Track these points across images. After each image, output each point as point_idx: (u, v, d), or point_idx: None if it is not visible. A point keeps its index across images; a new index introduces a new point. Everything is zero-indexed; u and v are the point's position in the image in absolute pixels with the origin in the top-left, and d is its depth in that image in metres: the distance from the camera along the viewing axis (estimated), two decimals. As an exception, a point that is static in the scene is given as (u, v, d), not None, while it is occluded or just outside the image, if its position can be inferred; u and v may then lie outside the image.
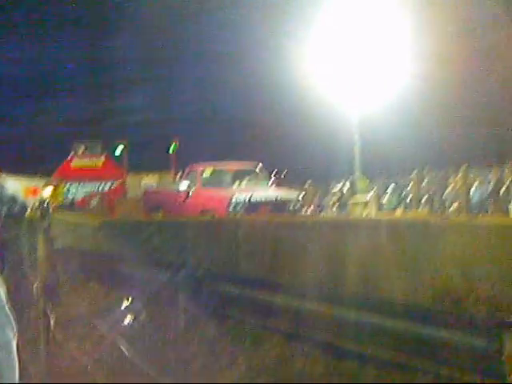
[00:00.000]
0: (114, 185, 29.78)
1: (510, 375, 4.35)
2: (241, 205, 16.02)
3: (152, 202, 19.79)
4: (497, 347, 4.50)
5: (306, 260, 7.67)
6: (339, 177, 26.44)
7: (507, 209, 18.72)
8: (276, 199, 16.60)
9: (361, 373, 5.66)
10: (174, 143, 28.25)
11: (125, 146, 30.26)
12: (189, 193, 17.42)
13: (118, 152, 30.51)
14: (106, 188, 29.95)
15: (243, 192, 16.79)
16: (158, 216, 17.67)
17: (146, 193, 22.04)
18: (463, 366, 4.91)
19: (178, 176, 22.67)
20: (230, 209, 15.91)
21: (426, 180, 23.73)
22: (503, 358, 4.43)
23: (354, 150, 26.96)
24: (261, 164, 18.88)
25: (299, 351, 6.36)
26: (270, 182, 18.77)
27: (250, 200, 16.16)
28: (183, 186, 17.79)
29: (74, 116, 40.97)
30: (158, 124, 38.68)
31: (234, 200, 16.15)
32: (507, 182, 18.92)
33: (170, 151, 28.13)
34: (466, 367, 4.88)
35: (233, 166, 19.12)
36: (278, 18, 30.82)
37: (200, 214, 15.85)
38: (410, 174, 22.97)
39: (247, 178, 18.30)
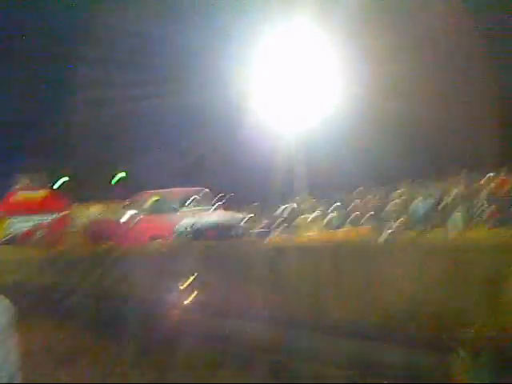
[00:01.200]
0: (58, 216, 29.20)
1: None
2: (186, 231, 16.05)
3: (97, 232, 19.42)
4: (442, 366, 4.53)
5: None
6: (286, 197, 26.53)
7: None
8: (219, 224, 16.66)
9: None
10: (118, 173, 28.07)
11: (70, 177, 29.91)
12: (135, 221, 17.34)
13: (60, 183, 30.12)
14: (51, 220, 29.36)
15: (188, 218, 16.77)
16: (102, 247, 17.43)
17: (91, 223, 21.73)
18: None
19: (124, 205, 22.57)
20: (176, 235, 15.88)
21: (369, 196, 24.05)
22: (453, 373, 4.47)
23: (299, 170, 27.15)
24: (206, 189, 18.99)
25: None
26: (215, 207, 18.78)
27: (193, 226, 16.21)
28: (128, 214, 17.74)
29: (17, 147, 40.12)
30: (104, 153, 38.18)
31: (178, 227, 16.16)
32: (449, 198, 19.21)
33: (113, 182, 27.99)
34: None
35: (178, 192, 19.19)
36: (213, 41, 30.98)
37: (148, 241, 15.67)
38: (355, 192, 23.20)
39: (192, 203, 18.34)
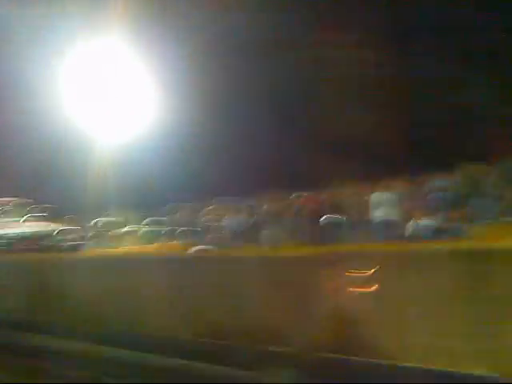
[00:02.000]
0: None
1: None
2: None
3: None
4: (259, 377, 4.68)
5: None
6: (102, 210, 25.98)
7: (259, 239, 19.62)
8: (28, 235, 15.87)
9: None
10: None
11: None
12: None
13: None
14: None
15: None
16: None
17: None
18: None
19: None
20: None
21: (180, 212, 24.24)
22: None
23: (114, 183, 26.80)
24: (16, 199, 18.26)
25: None
26: (25, 218, 18.02)
27: (2, 237, 15.48)
28: None
29: None
30: None
31: None
32: (257, 215, 19.82)
33: None
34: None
35: None
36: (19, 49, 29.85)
37: None
38: (167, 207, 23.26)
39: (6, 212, 17.65)
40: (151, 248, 20.22)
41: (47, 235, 16.74)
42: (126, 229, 23.30)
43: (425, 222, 17.46)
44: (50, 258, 10.23)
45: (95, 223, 24.42)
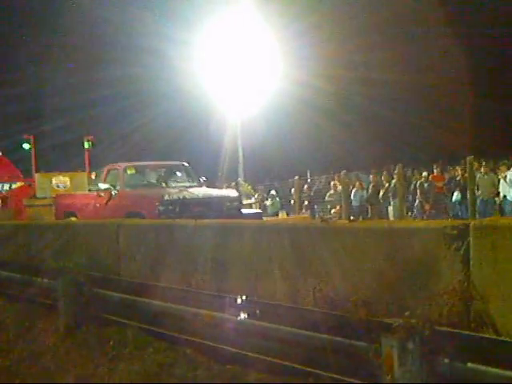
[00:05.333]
0: (18, 185, 27.16)
1: (388, 375, 4.45)
2: (174, 206, 14.11)
3: (65, 206, 17.55)
4: (375, 349, 4.59)
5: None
6: (224, 182, 26.43)
7: (387, 211, 19.44)
8: (213, 198, 14.90)
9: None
10: (87, 140, 26.13)
11: (31, 144, 28.69)
12: (111, 194, 15.42)
13: (26, 147, 28.90)
14: (7, 189, 27.42)
15: (175, 191, 14.93)
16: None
17: (58, 196, 19.33)
18: (343, 369, 4.97)
19: (94, 176, 20.86)
20: (161, 210, 14.00)
21: (306, 185, 24.30)
22: (381, 359, 4.53)
23: (238, 155, 27.26)
24: (185, 163, 17.01)
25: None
26: (200, 183, 16.61)
27: (184, 200, 14.34)
28: (103, 187, 15.79)
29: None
30: (69, 121, 36.79)
31: (165, 200, 14.25)
32: (385, 187, 19.60)
33: (86, 146, 25.96)
34: (347, 370, 4.95)
35: (155, 165, 17.43)
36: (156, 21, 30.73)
37: (124, 217, 13.38)
38: (292, 179, 23.41)
39: (175, 176, 16.64)
40: (277, 219, 20.17)
41: (232, 198, 15.54)
42: (252, 199, 23.58)
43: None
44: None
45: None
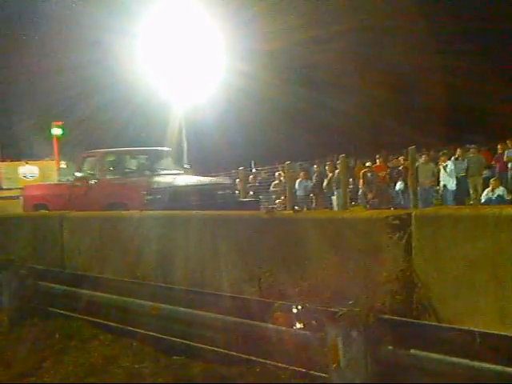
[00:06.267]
0: None
1: (333, 364, 4.51)
2: (163, 195, 12.53)
3: (35, 198, 15.69)
4: (320, 338, 4.65)
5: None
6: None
7: (330, 202, 19.67)
8: (205, 186, 13.55)
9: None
10: (57, 126, 23.62)
11: None
12: (88, 184, 13.85)
13: None
14: None
15: (164, 180, 13.45)
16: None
17: (27, 187, 17.51)
18: (288, 358, 5.03)
19: (64, 165, 19.65)
20: (148, 200, 12.33)
21: (251, 175, 24.37)
22: (326, 348, 4.59)
23: (183, 147, 27.12)
24: (167, 148, 15.70)
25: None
26: (185, 170, 15.26)
27: (174, 188, 12.90)
28: (79, 176, 14.22)
29: None
30: (37, 107, 35.57)
31: (153, 189, 12.68)
32: (328, 177, 19.82)
33: (55, 133, 23.43)
34: (291, 358, 5.01)
35: (140, 150, 15.86)
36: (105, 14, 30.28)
37: (105, 208, 12.26)
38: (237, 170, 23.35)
39: (160, 163, 14.85)
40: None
41: (225, 186, 14.23)
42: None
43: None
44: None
45: None
